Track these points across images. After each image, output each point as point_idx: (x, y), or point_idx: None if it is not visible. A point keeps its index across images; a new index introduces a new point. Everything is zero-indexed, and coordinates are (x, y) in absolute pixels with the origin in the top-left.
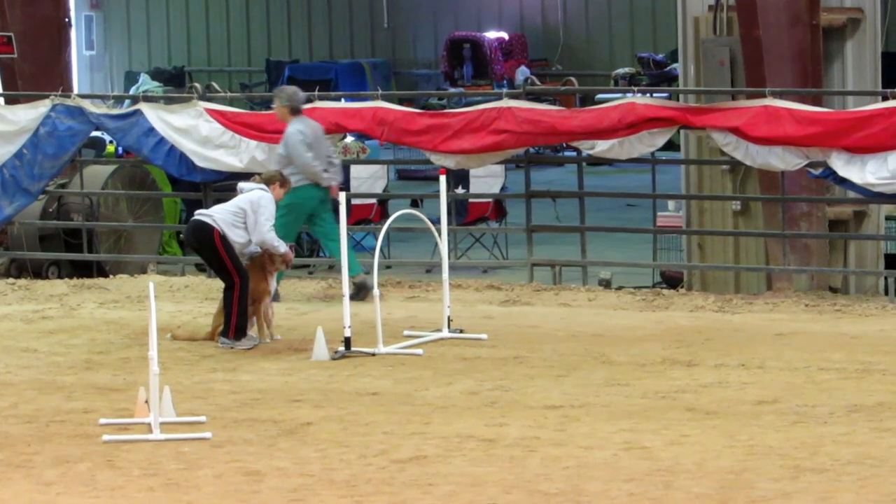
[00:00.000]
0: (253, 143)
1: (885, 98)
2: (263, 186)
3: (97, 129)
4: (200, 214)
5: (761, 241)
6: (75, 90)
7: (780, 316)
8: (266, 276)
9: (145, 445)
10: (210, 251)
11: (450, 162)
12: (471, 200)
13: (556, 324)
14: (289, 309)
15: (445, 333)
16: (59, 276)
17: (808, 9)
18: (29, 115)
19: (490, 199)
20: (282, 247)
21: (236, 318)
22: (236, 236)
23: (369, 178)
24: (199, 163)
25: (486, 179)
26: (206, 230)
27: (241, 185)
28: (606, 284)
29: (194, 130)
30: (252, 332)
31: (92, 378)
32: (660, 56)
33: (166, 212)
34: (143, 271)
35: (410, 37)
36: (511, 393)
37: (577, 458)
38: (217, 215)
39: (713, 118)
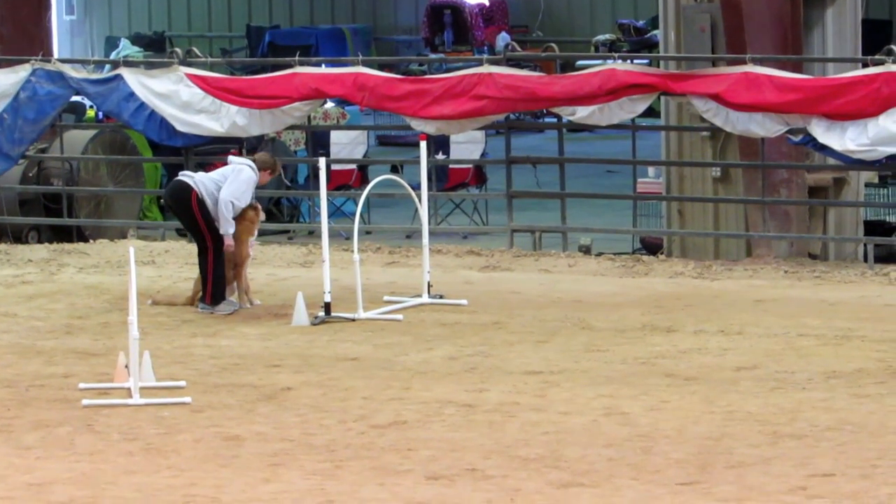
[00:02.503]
0: (233, 108)
1: (865, 65)
2: (251, 164)
3: (77, 93)
4: (183, 175)
5: (741, 208)
6: (55, 55)
7: (759, 282)
8: (246, 241)
9: (125, 410)
10: (186, 211)
11: (430, 128)
12: (451, 166)
13: (536, 290)
14: (269, 275)
15: (425, 299)
16: (39, 241)
17: None
18: (9, 79)
19: (470, 165)
20: (227, 224)
21: (212, 284)
22: (213, 202)
23: (349, 144)
24: (180, 128)
25: (467, 145)
26: (185, 190)
27: (231, 157)
28: (586, 250)
29: (175, 95)
30: (233, 297)
31: (72, 343)
32: (640, 23)
33: (147, 177)
34: (124, 236)
35: (391, 3)
36: (491, 358)
37: (557, 424)
38: (198, 178)
39: (693, 85)
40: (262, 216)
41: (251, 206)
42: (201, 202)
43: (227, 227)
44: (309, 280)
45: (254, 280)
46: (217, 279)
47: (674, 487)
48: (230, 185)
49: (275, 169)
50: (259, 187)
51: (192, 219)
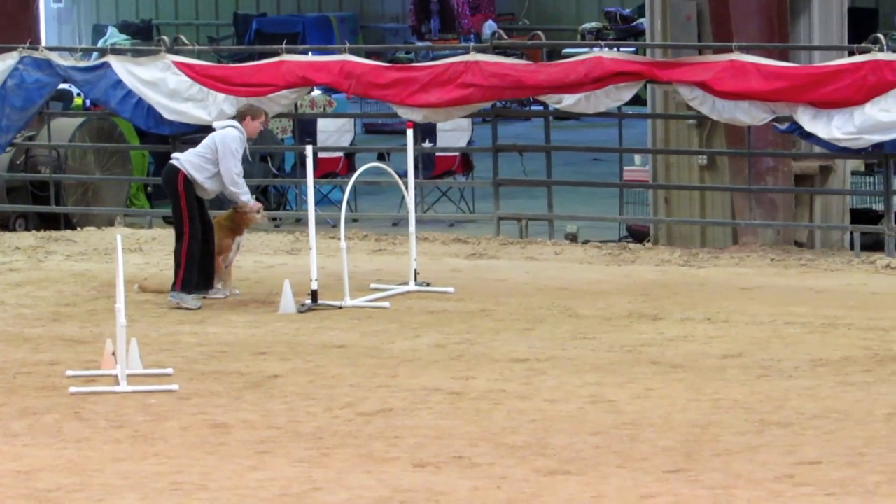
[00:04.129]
0: (221, 95)
1: (851, 53)
2: (233, 123)
3: (65, 81)
4: (173, 157)
5: (727, 196)
6: (43, 43)
7: (745, 270)
8: (231, 233)
9: (112, 397)
10: (173, 194)
11: (417, 115)
12: (438, 154)
13: (523, 277)
14: (256, 262)
15: (412, 286)
16: (27, 229)
17: None
18: None
19: (457, 153)
20: (243, 194)
21: (184, 270)
22: (205, 176)
23: (336, 132)
24: (167, 115)
25: (453, 133)
26: (173, 172)
27: (215, 123)
28: (573, 238)
29: (162, 83)
30: (218, 284)
31: (59, 330)
32: (627, 11)
33: (134, 164)
34: (111, 224)
35: None
36: (477, 346)
37: (543, 411)
38: (184, 157)
39: (680, 73)
40: (261, 219)
41: (256, 210)
42: (188, 183)
43: (244, 197)
44: (296, 268)
45: (241, 268)
46: (189, 267)
47: (660, 475)
48: (224, 163)
49: (254, 114)
50: (257, 140)
51: (177, 201)
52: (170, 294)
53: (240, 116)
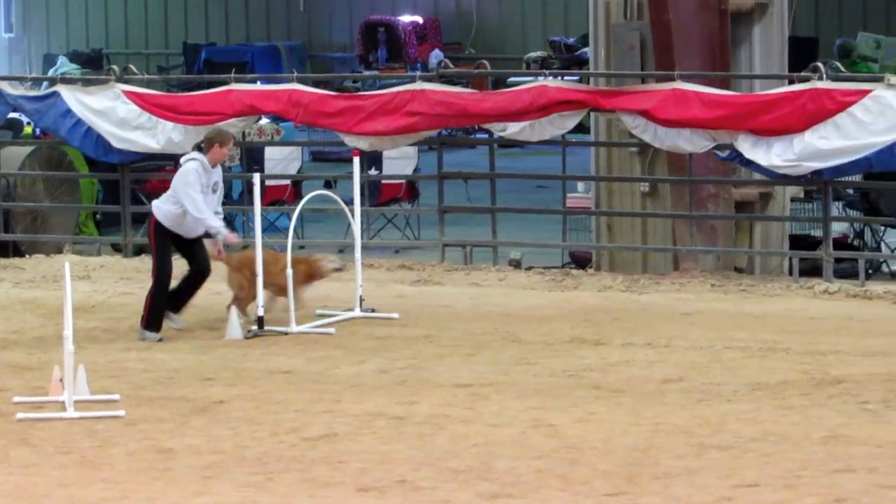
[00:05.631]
0: (170, 124)
1: (791, 81)
2: (193, 155)
3: (15, 110)
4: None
5: (669, 222)
6: None
7: (686, 295)
8: (249, 284)
9: (59, 423)
10: (148, 239)
11: (364, 144)
12: (384, 182)
13: (467, 303)
14: (203, 289)
15: (357, 313)
16: None
17: None
18: None
19: (403, 181)
20: (210, 220)
21: (148, 313)
22: (174, 214)
23: (283, 160)
24: (116, 144)
25: (400, 161)
26: (148, 219)
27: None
28: (516, 265)
29: (111, 112)
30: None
31: (6, 357)
32: (571, 40)
33: (83, 193)
34: (59, 251)
35: (326, 20)
36: (421, 371)
37: (486, 436)
38: (157, 202)
39: (623, 101)
40: (334, 270)
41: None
42: (159, 227)
43: (212, 223)
44: None
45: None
46: (153, 308)
47: (601, 498)
48: (184, 198)
49: (223, 140)
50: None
51: (150, 246)
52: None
53: (208, 143)
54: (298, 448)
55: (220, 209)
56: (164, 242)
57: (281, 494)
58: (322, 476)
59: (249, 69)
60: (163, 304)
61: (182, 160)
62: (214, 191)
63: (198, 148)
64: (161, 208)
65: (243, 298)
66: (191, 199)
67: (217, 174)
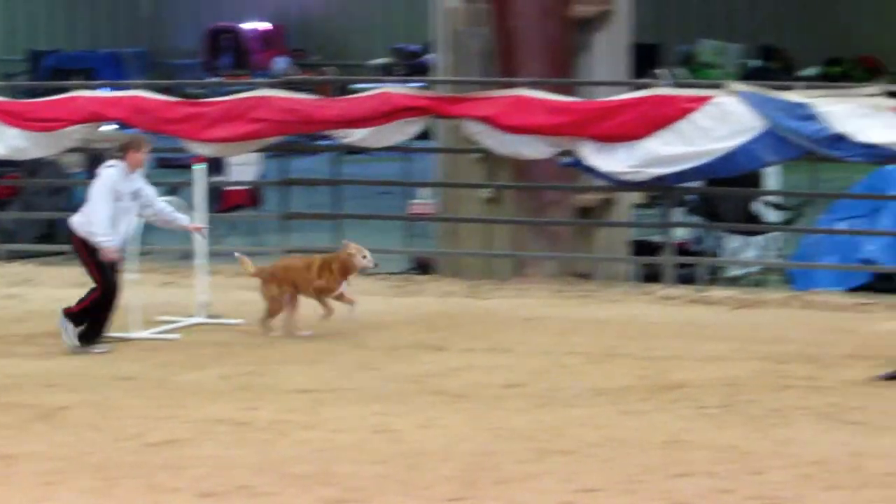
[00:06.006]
0: (13, 130)
1: (634, 88)
2: (112, 162)
3: None
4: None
5: (512, 228)
6: None
7: (528, 301)
8: (340, 276)
9: None
10: (78, 256)
11: (208, 150)
12: (227, 188)
13: (311, 309)
14: (47, 296)
15: (201, 319)
16: None
17: (560, 1)
18: None
19: (247, 187)
20: (99, 235)
21: (80, 309)
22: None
23: None
24: None
25: (244, 167)
26: (70, 236)
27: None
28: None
29: None
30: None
31: None
32: (415, 47)
33: None
34: None
35: (170, 27)
36: (264, 377)
37: (328, 441)
38: (76, 216)
39: (466, 108)
40: (368, 263)
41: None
42: (83, 241)
43: (99, 238)
44: None
45: (32, 301)
46: (90, 309)
47: (442, 503)
48: (91, 204)
49: (137, 145)
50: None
51: (79, 258)
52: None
53: (123, 149)
54: (140, 454)
55: (168, 208)
56: (96, 252)
57: (121, 500)
58: (164, 482)
59: (94, 76)
60: (104, 314)
61: (100, 168)
62: (136, 198)
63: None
64: (76, 221)
65: (274, 310)
66: (94, 208)
67: (139, 181)
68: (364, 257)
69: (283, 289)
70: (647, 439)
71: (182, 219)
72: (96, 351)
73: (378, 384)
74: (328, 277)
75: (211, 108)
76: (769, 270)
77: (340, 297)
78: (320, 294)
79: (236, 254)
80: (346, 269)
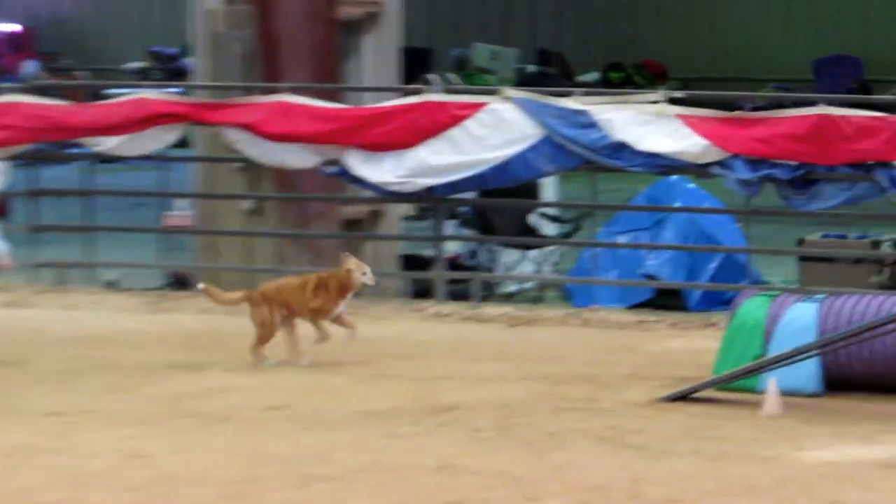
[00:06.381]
0: None
1: (404, 94)
2: None
3: None
4: None
5: (275, 242)
6: None
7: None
8: (338, 295)
9: None
10: None
11: None
12: None
13: (61, 327)
14: None
15: None
16: None
17: (325, 2)
18: None
19: None
20: None
21: None
22: None
23: None
24: None
25: None
26: None
27: None
28: (114, 286)
29: None
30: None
31: None
32: (173, 50)
33: None
34: None
35: None
36: (9, 399)
37: (78, 467)
38: None
39: (226, 114)
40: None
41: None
42: None
43: None
44: None
45: None
46: None
47: None
48: None
49: None
50: None
51: None
52: None
53: None
54: None
55: None
56: None
57: None
58: None
59: None
60: None
61: None
62: None
63: None
64: None
65: (265, 336)
66: None
67: None
68: (364, 274)
69: (274, 312)
70: (417, 464)
71: None
72: None
73: (131, 407)
74: (325, 297)
75: None
76: (546, 286)
77: (338, 320)
78: (316, 316)
79: (200, 285)
80: (344, 288)
